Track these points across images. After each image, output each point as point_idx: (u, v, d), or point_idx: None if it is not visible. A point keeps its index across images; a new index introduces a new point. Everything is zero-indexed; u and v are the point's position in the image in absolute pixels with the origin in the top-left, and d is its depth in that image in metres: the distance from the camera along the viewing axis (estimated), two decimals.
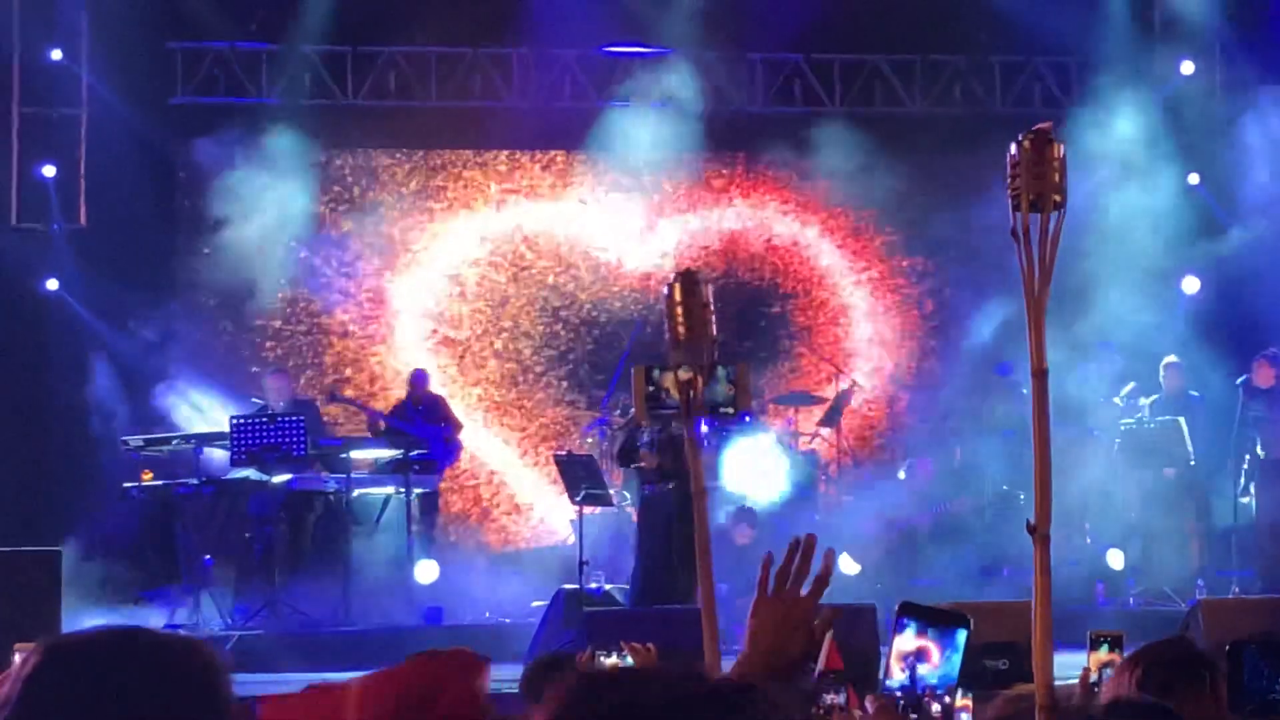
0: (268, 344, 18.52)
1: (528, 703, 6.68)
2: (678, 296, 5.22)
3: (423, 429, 16.43)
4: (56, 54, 17.09)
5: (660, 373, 5.25)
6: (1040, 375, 4.02)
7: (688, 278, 5.26)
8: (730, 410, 5.49)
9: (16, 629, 8.60)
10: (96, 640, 2.64)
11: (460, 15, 18.20)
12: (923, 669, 2.64)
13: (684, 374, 5.19)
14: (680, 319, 5.15)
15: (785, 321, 19.30)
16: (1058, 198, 4.06)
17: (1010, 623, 8.01)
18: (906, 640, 2.63)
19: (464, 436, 17.37)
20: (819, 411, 18.11)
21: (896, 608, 2.66)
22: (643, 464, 14.21)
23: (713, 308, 5.30)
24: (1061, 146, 4.08)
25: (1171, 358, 16.49)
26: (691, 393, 5.21)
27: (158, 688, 2.53)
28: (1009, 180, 4.08)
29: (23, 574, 12.00)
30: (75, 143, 17.14)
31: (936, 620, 2.65)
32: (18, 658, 6.09)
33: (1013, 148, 4.07)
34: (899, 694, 2.65)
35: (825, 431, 18.13)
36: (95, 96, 17.24)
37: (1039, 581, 4.12)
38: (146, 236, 17.65)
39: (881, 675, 2.69)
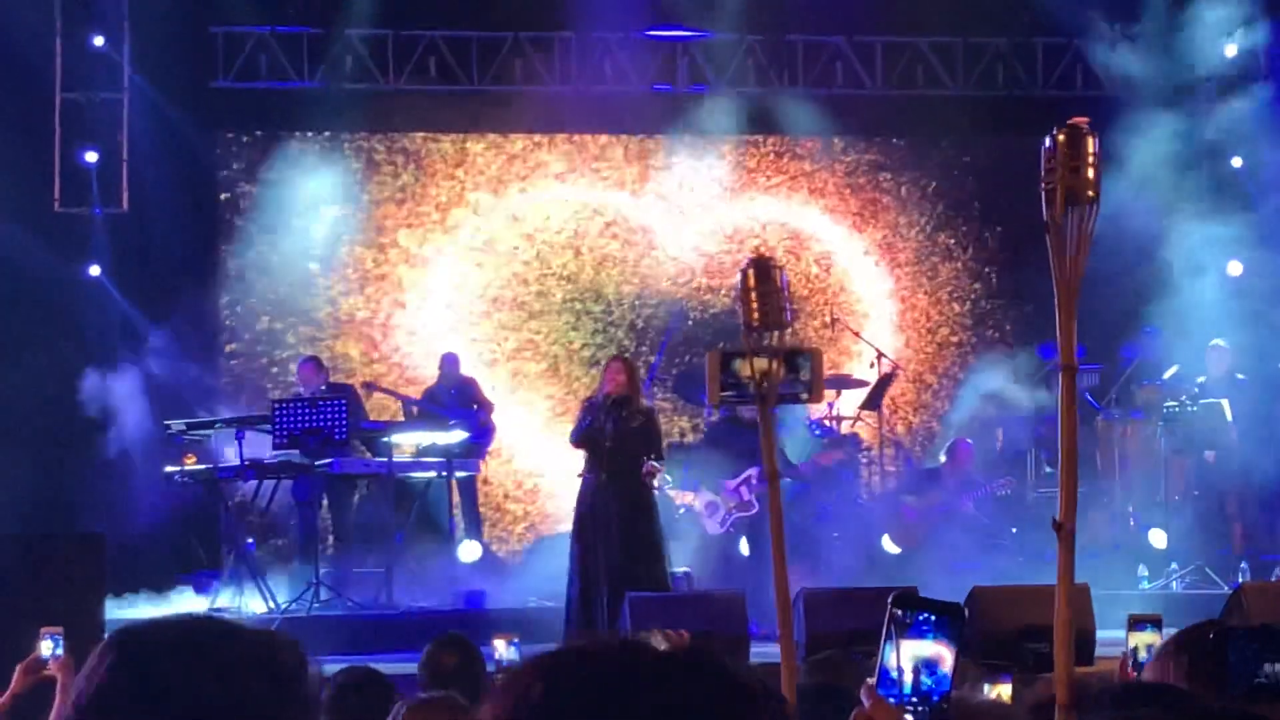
0: (303, 330, 18.49)
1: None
2: (751, 282, 5.16)
3: (455, 412, 16.45)
4: (98, 40, 17.14)
5: (738, 360, 5.19)
6: (1069, 370, 3.92)
7: (761, 264, 5.21)
8: (806, 397, 5.45)
9: (60, 613, 8.61)
10: (171, 627, 2.58)
11: None
12: (939, 673, 2.59)
13: (762, 363, 5.16)
14: (755, 304, 5.10)
15: (825, 305, 19.23)
16: (1092, 193, 3.95)
17: (1052, 606, 7.96)
18: (925, 647, 2.58)
19: (510, 420, 17.37)
20: (861, 395, 18.07)
21: (890, 600, 2.60)
22: (652, 473, 13.81)
23: (786, 294, 5.26)
24: (1096, 140, 3.97)
25: (1217, 341, 16.41)
26: (768, 380, 5.18)
27: (235, 677, 2.47)
28: (1043, 174, 3.97)
29: (67, 558, 12.00)
30: (117, 128, 17.19)
31: (939, 613, 2.60)
32: (44, 643, 6.11)
33: (1047, 140, 3.96)
34: (915, 701, 2.59)
35: (867, 415, 18.09)
36: (136, 81, 17.30)
37: (1063, 575, 4.04)
38: (188, 220, 17.68)
39: (889, 674, 2.62)
